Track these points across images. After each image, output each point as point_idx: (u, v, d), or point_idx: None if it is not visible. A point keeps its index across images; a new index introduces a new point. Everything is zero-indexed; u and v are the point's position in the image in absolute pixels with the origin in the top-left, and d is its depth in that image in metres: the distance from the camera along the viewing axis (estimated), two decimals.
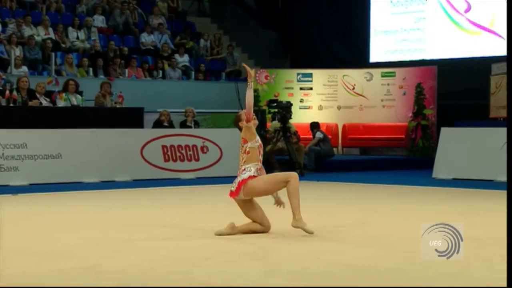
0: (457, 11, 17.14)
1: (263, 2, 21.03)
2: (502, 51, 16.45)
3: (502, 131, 12.84)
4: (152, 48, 18.40)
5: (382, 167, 15.80)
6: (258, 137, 6.74)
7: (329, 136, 16.14)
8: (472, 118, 15.02)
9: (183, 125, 14.37)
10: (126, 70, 17.10)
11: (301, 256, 5.66)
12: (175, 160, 13.19)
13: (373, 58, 18.56)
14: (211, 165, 13.52)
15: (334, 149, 16.54)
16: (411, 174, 14.49)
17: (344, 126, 17.86)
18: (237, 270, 5.11)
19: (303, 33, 20.36)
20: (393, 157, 17.25)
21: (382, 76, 17.84)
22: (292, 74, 18.33)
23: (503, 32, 16.53)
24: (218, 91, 17.79)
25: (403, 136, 17.20)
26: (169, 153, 13.15)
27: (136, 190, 11.36)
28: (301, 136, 14.99)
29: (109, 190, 11.20)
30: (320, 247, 6.04)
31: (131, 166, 12.72)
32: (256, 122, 6.74)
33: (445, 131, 13.73)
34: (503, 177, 12.37)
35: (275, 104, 14.56)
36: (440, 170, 13.25)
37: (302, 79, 18.16)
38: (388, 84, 17.77)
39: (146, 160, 12.87)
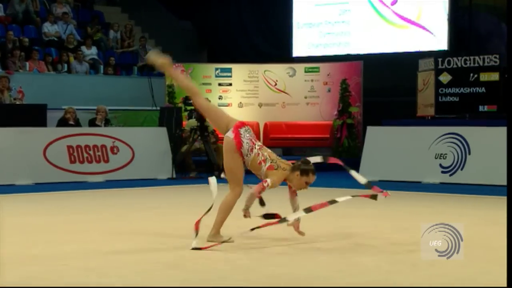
0: (383, 3, 17.47)
1: None
2: (429, 46, 16.88)
3: (430, 130, 13.19)
4: (56, 39, 18.07)
5: None
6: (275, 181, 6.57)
7: None
8: (399, 116, 15.35)
9: (92, 123, 14.17)
10: (27, 63, 16.74)
11: (217, 264, 5.66)
12: (82, 162, 13.00)
13: (296, 53, 18.72)
14: (121, 167, 13.38)
15: None
16: (336, 176, 14.64)
17: (265, 125, 17.95)
18: (149, 280, 5.08)
19: (222, 24, 20.38)
20: None
21: (305, 72, 18.01)
22: (210, 69, 18.31)
23: (431, 26, 16.96)
24: (130, 87, 17.62)
25: (327, 136, 17.43)
26: (75, 154, 12.94)
27: (38, 194, 11.13)
28: (221, 136, 14.96)
29: (8, 194, 10.93)
30: (237, 255, 6.06)
31: (33, 168, 12.47)
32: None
33: (372, 130, 13.98)
34: (431, 179, 12.72)
35: (191, 101, 14.51)
36: (366, 171, 13.43)
37: (220, 74, 18.16)
38: (312, 80, 17.96)
39: (49, 162, 12.64)
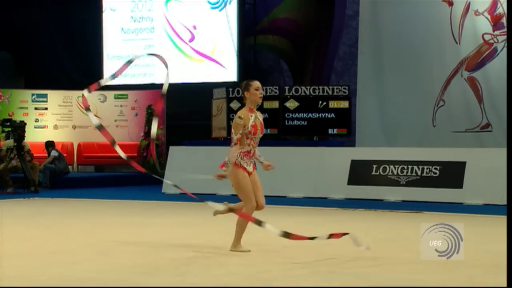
0: (182, 40, 17.67)
1: None
2: (221, 77, 17.26)
3: (223, 150, 13.42)
4: None
5: (116, 184, 15.78)
6: (249, 124, 6.26)
7: (64, 154, 15.84)
8: (197, 137, 15.54)
9: None
10: None
11: (32, 270, 5.41)
12: None
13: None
14: None
15: (70, 166, 16.19)
16: (142, 189, 14.60)
17: (79, 145, 17.63)
18: None
19: (37, 55, 19.63)
20: (126, 174, 17.27)
21: (115, 98, 17.89)
22: (26, 94, 17.74)
23: (223, 60, 17.35)
24: None
25: (135, 154, 17.30)
26: None
27: None
28: (36, 155, 14.54)
29: None
30: (51, 260, 5.83)
31: None
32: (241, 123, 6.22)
33: (173, 150, 14.06)
34: (223, 191, 12.94)
35: (8, 123, 13.95)
36: (169, 185, 13.49)
37: (37, 99, 17.64)
38: (121, 106, 17.86)
39: None
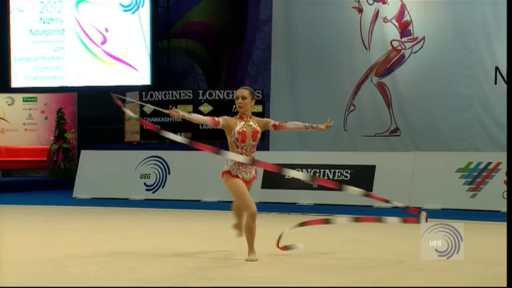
0: (94, 42, 17.39)
1: None
2: (135, 81, 17.10)
3: (136, 154, 13.36)
4: None
5: (25, 189, 15.41)
6: (235, 130, 6.18)
7: None
8: (110, 141, 15.36)
9: None
10: None
11: None
12: None
13: (14, 84, 17.99)
14: None
15: None
16: (53, 194, 14.32)
17: None
18: None
19: None
20: (36, 179, 16.90)
21: (23, 101, 17.44)
22: None
23: (136, 64, 17.18)
24: None
25: (45, 159, 16.98)
26: None
27: None
28: None
29: None
30: None
31: None
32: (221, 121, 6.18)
33: (85, 154, 13.85)
34: (136, 196, 12.84)
35: None
36: (80, 190, 13.31)
37: None
38: (30, 109, 17.43)
39: None
